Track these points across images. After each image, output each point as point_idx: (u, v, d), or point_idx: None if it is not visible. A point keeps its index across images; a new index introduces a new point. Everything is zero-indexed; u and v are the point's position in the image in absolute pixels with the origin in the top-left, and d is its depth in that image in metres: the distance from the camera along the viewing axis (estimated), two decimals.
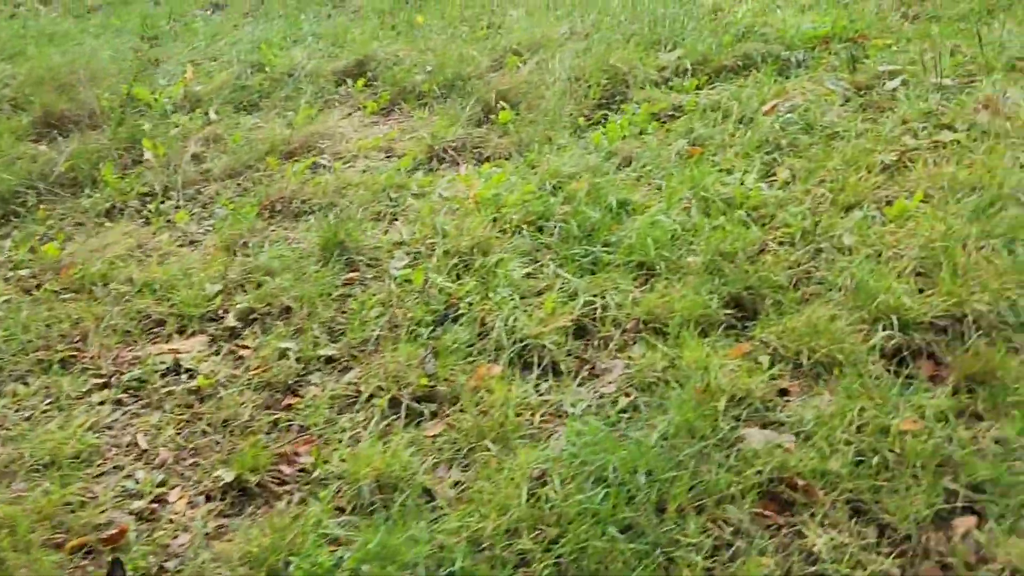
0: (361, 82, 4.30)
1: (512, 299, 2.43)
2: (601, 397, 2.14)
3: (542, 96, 3.84)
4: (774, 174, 3.01)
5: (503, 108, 3.77)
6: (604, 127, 3.51)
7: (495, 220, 2.87)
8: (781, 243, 2.60)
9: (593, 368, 2.25)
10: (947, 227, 2.51)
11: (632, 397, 2.11)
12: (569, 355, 2.30)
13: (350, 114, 4.15)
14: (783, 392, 2.07)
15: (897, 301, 2.21)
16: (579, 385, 2.20)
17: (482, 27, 4.86)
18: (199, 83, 4.46)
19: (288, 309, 2.65)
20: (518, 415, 2.06)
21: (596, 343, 2.33)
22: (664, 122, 3.58)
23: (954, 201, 2.66)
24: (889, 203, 2.74)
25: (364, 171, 3.52)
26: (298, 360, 2.42)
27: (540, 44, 4.37)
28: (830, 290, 2.36)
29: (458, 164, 3.54)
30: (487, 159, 3.52)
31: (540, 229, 2.78)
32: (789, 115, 3.31)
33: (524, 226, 2.79)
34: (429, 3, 5.50)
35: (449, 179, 3.34)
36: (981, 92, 3.34)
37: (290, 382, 2.34)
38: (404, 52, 4.62)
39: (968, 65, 3.62)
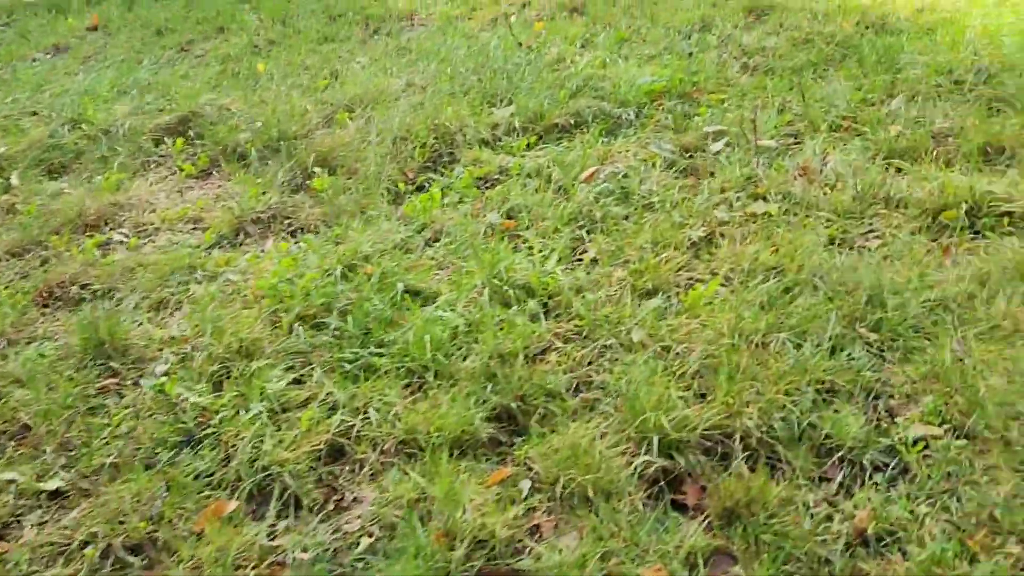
0: (181, 141, 4.01)
1: (262, 417, 2.20)
2: (343, 537, 1.93)
3: (365, 158, 3.62)
4: (582, 253, 2.85)
5: (320, 173, 3.54)
6: (423, 195, 3.31)
7: (274, 312, 2.65)
8: (568, 339, 2.43)
9: (342, 500, 2.03)
10: (738, 318, 2.37)
11: (373, 539, 1.89)
12: (319, 483, 2.07)
13: (166, 177, 3.86)
14: (535, 529, 1.88)
15: (668, 414, 2.05)
16: (322, 521, 1.97)
17: (324, 77, 4.63)
18: (5, 144, 4.12)
19: (27, 428, 2.36)
20: (237, 568, 1.83)
21: (350, 468, 2.11)
22: (490, 186, 3.40)
23: (753, 286, 2.54)
24: (690, 287, 2.60)
25: (162, 248, 3.25)
26: (19, 495, 2.14)
27: (375, 98, 4.16)
28: (608, 397, 2.19)
29: (266, 238, 3.30)
30: (297, 231, 3.30)
31: (318, 325, 2.56)
32: (606, 184, 3.17)
33: (302, 322, 2.56)
34: (277, 48, 5.25)
35: (249, 257, 3.09)
36: (802, 155, 3.26)
37: (1, 524, 2.06)
38: (236, 105, 4.36)
39: (796, 123, 3.55)
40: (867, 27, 4.44)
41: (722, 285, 2.59)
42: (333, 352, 2.41)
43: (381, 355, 2.37)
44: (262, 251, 3.14)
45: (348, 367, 2.35)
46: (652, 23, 4.86)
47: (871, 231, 2.79)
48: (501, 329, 2.43)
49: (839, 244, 2.76)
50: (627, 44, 4.64)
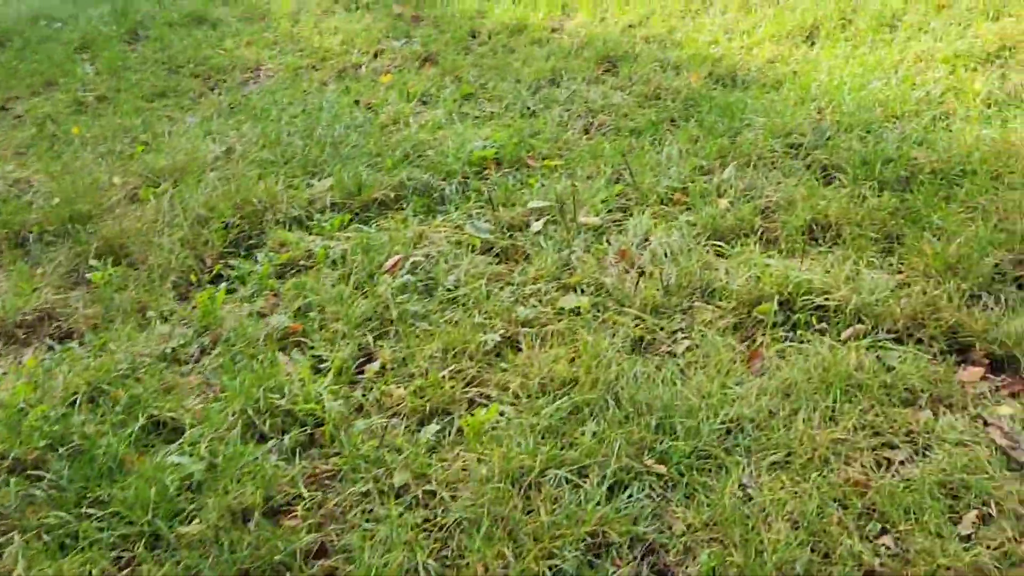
0: None
1: None
2: None
3: (159, 243, 3.27)
4: (367, 364, 2.55)
5: (102, 264, 3.15)
6: (207, 292, 2.95)
7: None
8: (322, 484, 2.12)
9: None
10: (514, 453, 2.10)
11: None
12: None
13: None
14: None
15: None
16: None
17: (143, 141, 4.25)
18: None
19: None
20: None
21: None
22: (295, 273, 3.07)
23: (540, 407, 2.27)
24: (475, 407, 2.33)
25: None
26: None
27: (186, 168, 3.80)
28: (350, 565, 1.89)
29: (29, 346, 2.91)
30: (65, 337, 2.92)
31: (34, 477, 2.19)
32: (409, 276, 2.88)
33: (13, 473, 2.19)
34: (104, 105, 4.84)
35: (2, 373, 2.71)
36: (626, 235, 3.03)
37: None
38: (38, 178, 3.96)
39: (628, 193, 3.32)
40: (716, 81, 4.27)
41: (511, 404, 2.32)
42: (41, 513, 2.06)
43: (95, 517, 2.02)
44: (19, 363, 2.76)
45: (56, 532, 2.00)
46: (503, 76, 4.62)
47: (681, 331, 2.56)
48: (245, 474, 2.11)
49: (645, 347, 2.51)
50: (472, 100, 4.38)
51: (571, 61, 4.67)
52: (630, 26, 5.12)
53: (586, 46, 4.85)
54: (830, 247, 2.86)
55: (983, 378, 2.30)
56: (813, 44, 4.54)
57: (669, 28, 5.03)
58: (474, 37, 5.35)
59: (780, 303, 2.58)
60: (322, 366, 2.55)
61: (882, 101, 3.74)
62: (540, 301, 2.74)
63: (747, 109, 3.80)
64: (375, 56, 5.22)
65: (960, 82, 3.85)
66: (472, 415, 2.24)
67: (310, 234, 3.30)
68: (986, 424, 2.11)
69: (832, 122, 3.64)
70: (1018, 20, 4.38)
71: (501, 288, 2.83)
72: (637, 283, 2.71)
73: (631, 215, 3.17)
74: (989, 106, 3.68)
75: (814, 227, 2.95)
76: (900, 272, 2.71)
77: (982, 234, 2.75)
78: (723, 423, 2.17)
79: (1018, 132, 3.37)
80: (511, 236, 3.13)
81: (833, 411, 2.19)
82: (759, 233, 2.96)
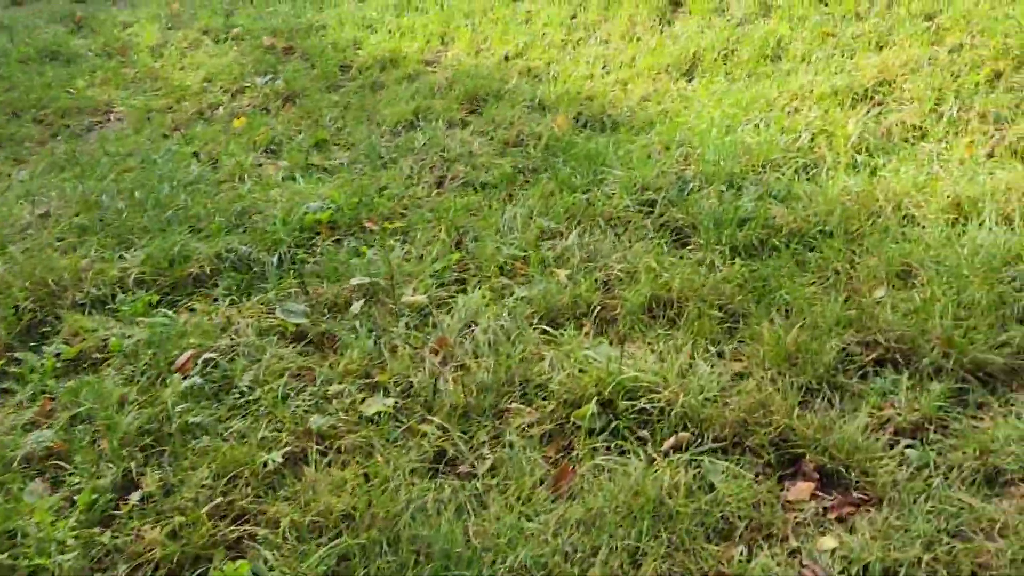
0: None
1: None
2: None
3: None
4: (121, 502, 2.20)
5: None
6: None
7: None
8: None
9: None
10: None
11: None
12: None
13: None
14: None
15: None
16: None
17: None
18: None
19: None
20: None
21: None
22: (87, 369, 2.72)
23: (312, 551, 1.96)
24: (233, 559, 2.00)
25: None
26: None
27: None
28: None
29: None
30: None
31: None
32: (199, 379, 2.54)
33: None
34: None
35: None
36: (452, 316, 2.73)
37: None
38: None
39: (466, 262, 3.02)
40: (585, 124, 3.99)
41: (276, 548, 2.00)
42: None
43: None
44: None
45: None
46: (363, 118, 4.30)
47: (488, 442, 2.26)
48: None
49: (445, 465, 2.21)
50: (324, 147, 4.05)
51: (437, 100, 4.37)
52: (507, 58, 4.83)
53: (456, 82, 4.55)
54: (669, 329, 2.59)
55: (813, 495, 2.04)
56: (691, 79, 4.29)
57: (548, 60, 4.74)
58: (345, 71, 5.02)
59: (603, 404, 2.30)
60: (77, 498, 2.21)
61: (749, 148, 3.49)
62: (342, 406, 2.43)
63: (607, 158, 3.52)
64: (235, 95, 4.86)
65: (833, 123, 3.62)
66: (223, 571, 1.92)
67: (112, 319, 2.95)
68: (803, 565, 1.85)
69: (695, 172, 3.38)
70: (901, 49, 4.17)
71: (303, 388, 2.51)
72: (435, 389, 2.39)
73: (465, 290, 2.88)
74: (860, 151, 3.45)
75: (655, 304, 2.68)
76: (739, 360, 2.45)
77: (830, 313, 2.50)
78: (510, 570, 1.88)
79: (885, 183, 3.14)
80: (330, 318, 2.82)
81: (638, 549, 1.91)
82: (596, 312, 2.68)
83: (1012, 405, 2.21)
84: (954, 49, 4.07)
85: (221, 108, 4.70)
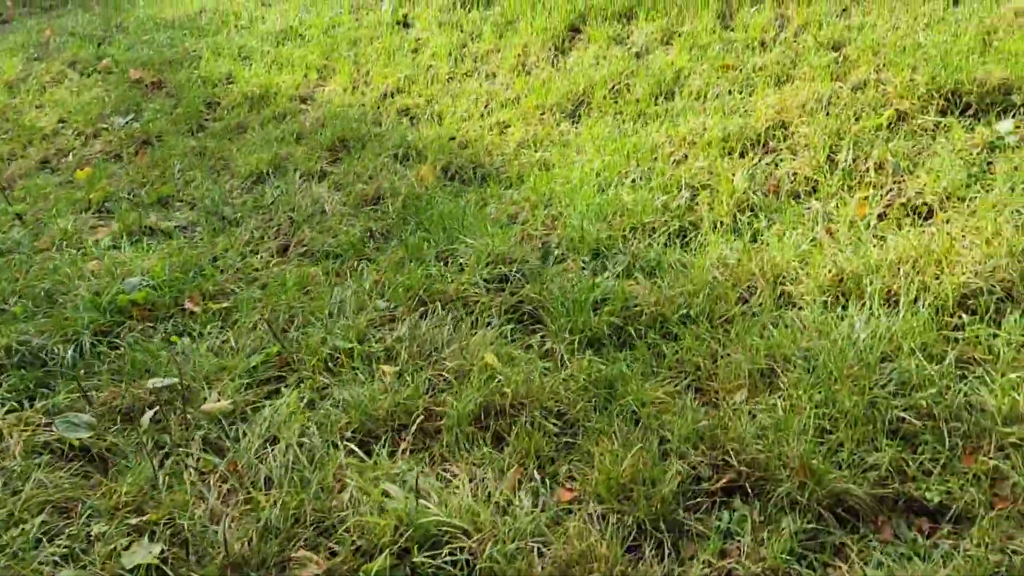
0: None
1: None
2: None
3: None
4: None
5: None
6: None
7: None
8: None
9: None
10: None
11: None
12: None
13: None
14: None
15: None
16: None
17: None
18: None
19: None
20: None
21: None
22: None
23: None
24: None
25: None
26: None
27: None
28: None
29: None
30: None
31: None
32: None
33: None
34: None
35: None
36: (258, 429, 2.35)
37: None
38: None
39: (289, 355, 2.65)
40: (453, 176, 3.63)
41: None
42: None
43: None
44: None
45: None
46: (219, 167, 3.90)
47: None
48: None
49: None
50: (167, 205, 3.65)
51: (300, 146, 3.98)
52: (385, 95, 4.45)
53: (327, 123, 4.16)
54: (497, 445, 2.23)
55: None
56: (577, 121, 3.95)
57: (429, 97, 4.37)
58: (212, 109, 4.60)
59: (400, 554, 1.94)
60: None
61: (624, 207, 3.15)
62: (101, 554, 2.04)
63: (465, 221, 3.16)
64: (89, 140, 4.42)
65: (718, 176, 3.29)
66: None
67: None
68: None
69: (560, 238, 3.04)
70: (803, 84, 3.86)
71: (62, 529, 2.11)
72: (247, 504, 2.03)
73: (279, 389, 2.50)
74: (744, 210, 3.12)
75: (485, 413, 2.32)
76: (570, 488, 2.10)
77: (679, 426, 2.16)
78: None
79: (763, 254, 2.81)
80: (119, 430, 2.42)
81: None
82: (418, 423, 2.31)
83: (874, 550, 1.88)
84: (858, 86, 3.77)
85: (71, 155, 4.27)
